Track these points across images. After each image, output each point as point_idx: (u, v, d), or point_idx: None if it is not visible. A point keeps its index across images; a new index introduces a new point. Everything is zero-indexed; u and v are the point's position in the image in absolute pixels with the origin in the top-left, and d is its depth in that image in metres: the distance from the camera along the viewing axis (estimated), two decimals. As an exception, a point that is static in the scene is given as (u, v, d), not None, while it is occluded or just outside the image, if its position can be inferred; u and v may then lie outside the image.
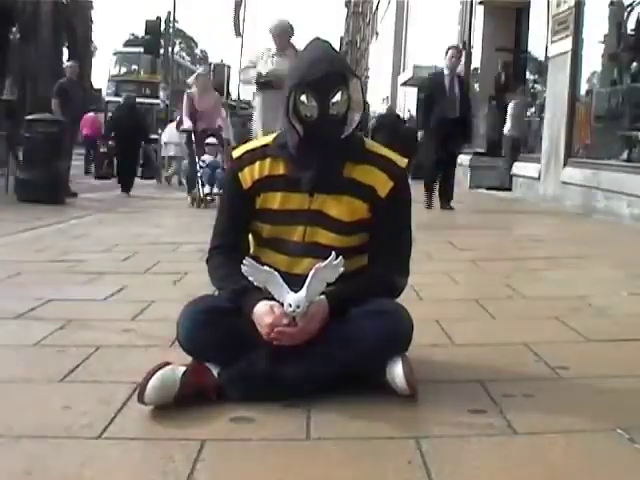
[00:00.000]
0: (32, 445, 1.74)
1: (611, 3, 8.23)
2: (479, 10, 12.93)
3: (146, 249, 5.04)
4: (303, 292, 1.95)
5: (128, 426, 1.86)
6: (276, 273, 1.99)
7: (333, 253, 1.96)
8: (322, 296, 1.99)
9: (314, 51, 2.08)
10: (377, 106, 27.50)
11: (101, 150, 16.27)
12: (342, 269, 1.95)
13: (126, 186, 10.72)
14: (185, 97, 8.73)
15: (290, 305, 1.94)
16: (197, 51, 68.06)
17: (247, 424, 1.87)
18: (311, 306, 1.96)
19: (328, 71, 2.02)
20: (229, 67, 22.40)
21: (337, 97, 2.04)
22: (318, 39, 2.15)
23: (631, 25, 7.85)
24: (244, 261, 1.99)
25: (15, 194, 8.58)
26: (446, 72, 7.71)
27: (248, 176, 2.14)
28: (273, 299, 1.99)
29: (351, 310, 2.02)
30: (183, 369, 1.98)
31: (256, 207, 2.15)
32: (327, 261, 1.95)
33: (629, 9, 7.84)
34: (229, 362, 2.01)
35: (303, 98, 2.03)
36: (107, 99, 28.19)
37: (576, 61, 8.40)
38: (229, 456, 1.72)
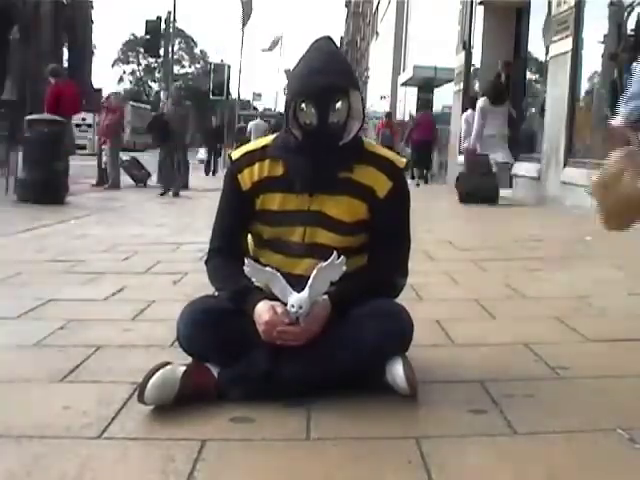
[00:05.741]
0: (32, 445, 1.74)
1: (611, 3, 8.23)
2: (479, 10, 12.93)
3: (146, 249, 5.04)
4: (306, 292, 1.95)
5: (128, 426, 1.86)
6: (278, 274, 1.99)
7: (335, 252, 1.96)
8: (325, 296, 2.00)
9: (316, 57, 2.06)
10: (377, 106, 27.51)
11: None
12: (345, 268, 1.95)
13: None
14: None
15: (293, 306, 1.94)
16: (197, 51, 68.15)
17: (247, 424, 1.87)
18: (314, 306, 1.96)
19: (329, 84, 2.01)
20: (229, 67, 22.36)
21: (337, 106, 2.03)
22: (322, 39, 2.13)
23: (631, 25, 7.84)
24: (246, 262, 1.99)
25: (15, 194, 8.58)
26: None
27: (247, 178, 2.14)
28: (275, 299, 1.99)
29: (351, 310, 2.02)
30: (183, 369, 1.98)
31: (256, 208, 2.14)
32: (329, 260, 1.95)
33: (629, 9, 7.83)
34: (229, 362, 2.01)
35: (303, 106, 2.03)
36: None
37: (576, 61, 8.39)
38: (229, 456, 1.72)
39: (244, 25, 16.14)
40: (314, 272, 1.95)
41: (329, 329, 1.99)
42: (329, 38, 2.14)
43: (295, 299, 1.94)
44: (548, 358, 2.39)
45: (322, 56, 2.06)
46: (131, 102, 41.22)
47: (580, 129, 8.49)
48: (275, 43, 29.77)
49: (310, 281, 1.95)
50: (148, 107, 40.44)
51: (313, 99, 2.02)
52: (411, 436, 1.79)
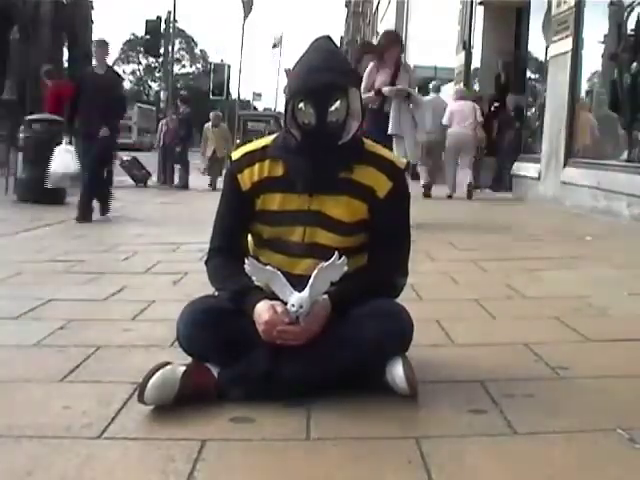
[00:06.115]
0: (32, 445, 1.74)
1: (611, 3, 8.22)
2: (479, 10, 12.93)
3: (146, 249, 5.04)
4: (306, 292, 1.95)
5: (128, 426, 1.86)
6: (279, 272, 1.99)
7: (336, 253, 1.96)
8: (325, 296, 2.00)
9: (315, 56, 2.06)
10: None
11: None
12: (346, 268, 1.96)
13: None
14: None
15: (293, 305, 1.94)
16: (197, 51, 68.15)
17: (247, 424, 1.87)
18: (314, 306, 1.96)
19: (327, 82, 2.02)
20: (229, 67, 22.35)
21: (336, 105, 2.03)
22: (322, 39, 2.13)
23: (631, 25, 7.83)
24: (246, 260, 1.99)
25: (15, 194, 8.58)
26: None
27: (247, 178, 2.14)
28: (275, 299, 1.99)
29: (351, 310, 2.02)
30: (183, 369, 1.98)
31: (256, 209, 2.15)
32: (330, 260, 1.95)
33: (629, 9, 7.82)
34: (229, 362, 2.01)
35: (301, 105, 2.03)
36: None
37: (576, 61, 8.39)
38: (229, 456, 1.72)
39: (245, 17, 16.05)
40: (315, 272, 1.95)
41: (329, 329, 1.99)
42: (328, 37, 2.14)
43: (295, 298, 1.94)
44: (548, 358, 2.39)
45: (321, 55, 2.06)
46: (138, 104, 40.96)
47: (580, 129, 8.49)
48: (277, 42, 29.77)
49: (311, 281, 1.95)
50: (153, 108, 40.20)
51: (312, 98, 2.02)
52: (411, 436, 1.79)
